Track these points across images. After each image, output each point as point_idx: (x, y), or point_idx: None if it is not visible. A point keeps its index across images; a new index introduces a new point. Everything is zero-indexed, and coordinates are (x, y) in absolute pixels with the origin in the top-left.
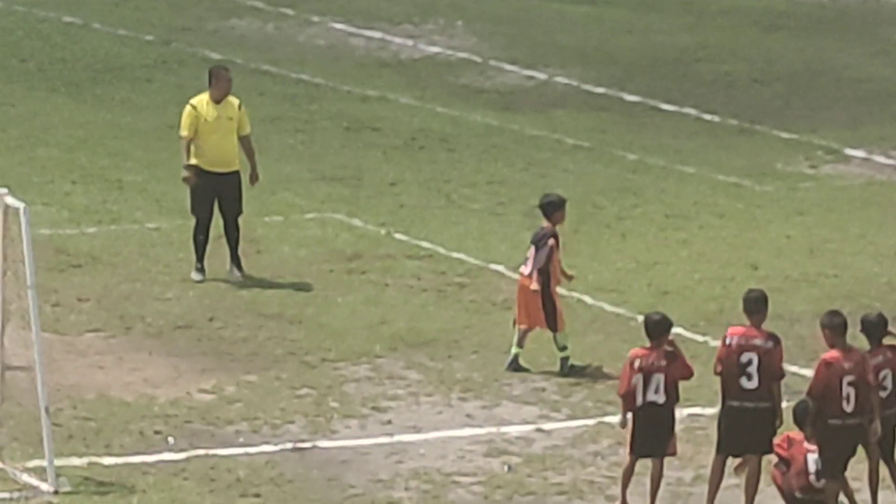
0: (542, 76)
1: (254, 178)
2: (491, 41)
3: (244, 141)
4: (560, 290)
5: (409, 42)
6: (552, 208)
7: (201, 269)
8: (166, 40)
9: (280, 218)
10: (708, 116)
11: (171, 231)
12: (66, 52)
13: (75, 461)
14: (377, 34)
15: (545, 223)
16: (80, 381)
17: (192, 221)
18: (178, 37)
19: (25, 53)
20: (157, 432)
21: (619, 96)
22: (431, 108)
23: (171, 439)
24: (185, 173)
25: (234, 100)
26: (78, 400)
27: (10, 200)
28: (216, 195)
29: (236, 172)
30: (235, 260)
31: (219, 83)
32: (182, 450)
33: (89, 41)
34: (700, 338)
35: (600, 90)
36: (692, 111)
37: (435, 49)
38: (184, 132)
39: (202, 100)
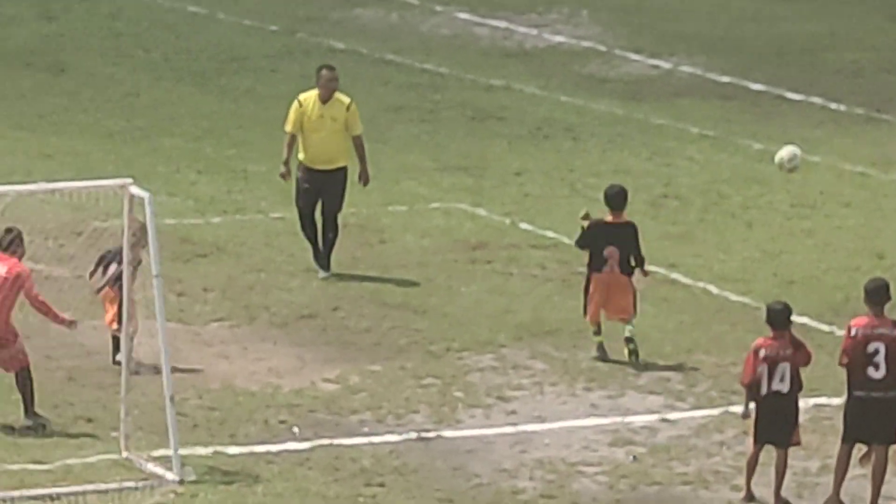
0: (667, 65)
1: (363, 178)
2: (616, 30)
3: (355, 141)
4: (685, 279)
5: (534, 31)
6: (624, 199)
7: (322, 259)
8: (291, 30)
9: (404, 208)
10: (834, 105)
11: (296, 221)
12: (191, 42)
13: (200, 451)
14: (502, 23)
15: (614, 215)
16: (204, 370)
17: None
18: (302, 27)
19: (151, 44)
20: (281, 422)
21: (745, 85)
22: (556, 97)
23: (295, 429)
24: (281, 169)
25: (344, 99)
26: (203, 389)
27: (135, 190)
28: (319, 192)
29: (341, 169)
30: (326, 261)
31: (319, 83)
32: (306, 439)
33: (214, 31)
34: (826, 328)
35: (725, 79)
36: (818, 100)
37: (560, 38)
38: (287, 127)
39: (310, 97)
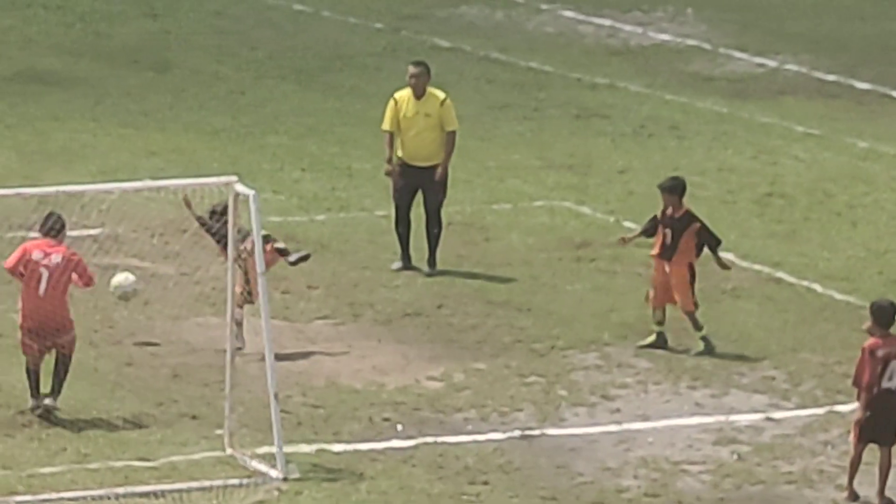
0: (772, 63)
1: (440, 174)
2: (721, 28)
3: (447, 136)
4: (790, 277)
5: (639, 29)
6: (683, 190)
7: (403, 258)
8: (395, 28)
9: (508, 206)
10: None
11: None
12: (296, 40)
13: (304, 448)
14: (606, 21)
15: (672, 206)
16: (309, 367)
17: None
18: (407, 25)
19: (255, 42)
20: (385, 419)
21: (850, 83)
22: (661, 95)
23: (399, 427)
24: (386, 167)
25: (438, 95)
26: (307, 387)
27: (239, 188)
28: (417, 188)
29: (437, 166)
30: (432, 258)
31: (409, 80)
32: (410, 437)
33: (319, 29)
34: None
35: (831, 77)
36: None
37: (664, 36)
38: (384, 126)
39: (405, 94)
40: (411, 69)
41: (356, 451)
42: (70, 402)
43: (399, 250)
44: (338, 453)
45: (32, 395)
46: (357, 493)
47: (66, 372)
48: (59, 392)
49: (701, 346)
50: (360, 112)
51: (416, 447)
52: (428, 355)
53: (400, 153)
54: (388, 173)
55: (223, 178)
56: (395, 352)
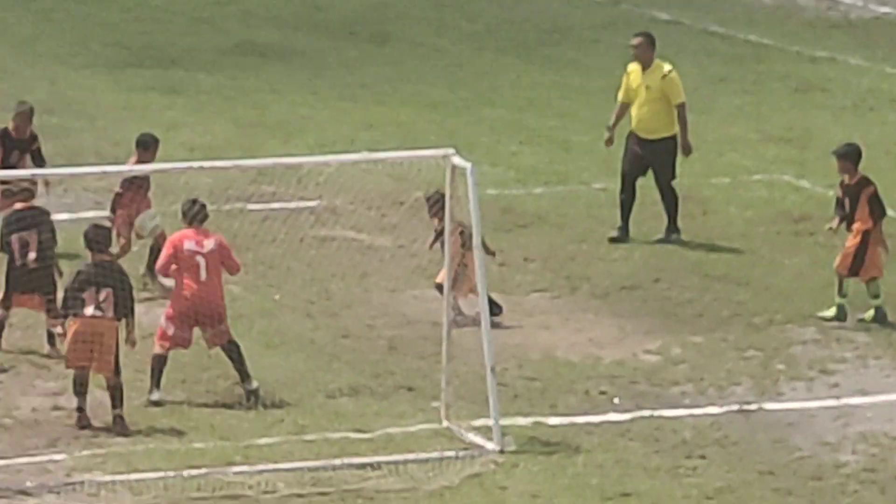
0: None
1: (685, 149)
2: None
3: (677, 110)
4: None
5: (860, 2)
6: (858, 156)
7: (621, 228)
8: (615, 1)
9: (727, 179)
10: None
11: (615, 192)
12: (515, 12)
13: (520, 421)
14: None
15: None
16: (525, 340)
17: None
18: None
19: (474, 14)
20: (602, 393)
21: None
22: (881, 68)
23: (616, 400)
24: (605, 134)
25: (663, 67)
26: (523, 359)
27: (457, 160)
28: (645, 160)
29: (664, 140)
30: (671, 225)
31: (631, 50)
32: (627, 410)
33: (538, 2)
34: None
35: None
36: None
37: (885, 9)
38: (619, 96)
39: (636, 66)
40: (632, 40)
41: (572, 425)
42: (287, 373)
43: (619, 218)
44: (554, 426)
45: (156, 387)
46: (573, 466)
47: (239, 355)
48: (247, 372)
49: (871, 314)
50: (578, 85)
51: (632, 421)
52: (645, 329)
53: (632, 124)
54: (606, 142)
55: (440, 151)
56: (612, 325)
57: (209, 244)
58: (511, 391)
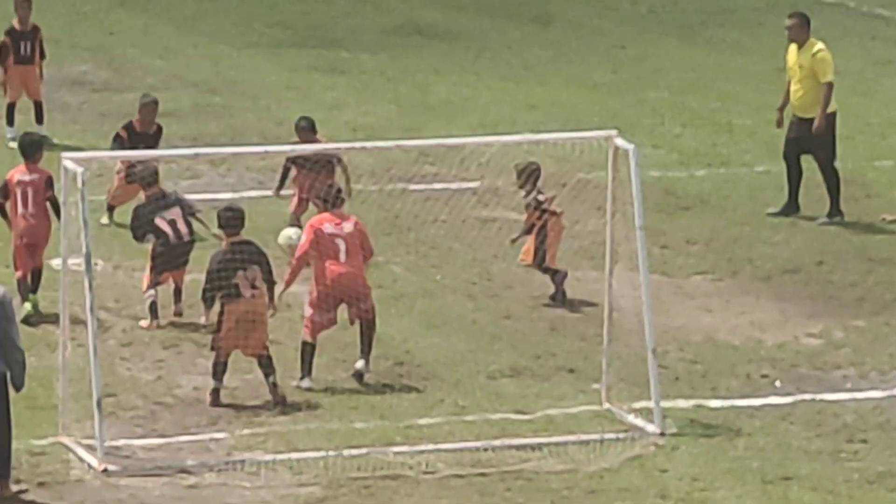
0: None
1: (817, 126)
2: None
3: (823, 88)
4: None
5: None
6: None
7: (787, 204)
8: None
9: (891, 162)
10: None
11: (780, 174)
12: None
13: (681, 403)
14: None
15: None
16: (687, 323)
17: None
18: None
19: None
20: (763, 376)
21: None
22: None
23: (777, 383)
24: (775, 115)
25: (814, 46)
26: (685, 342)
27: (619, 142)
28: (802, 139)
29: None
30: (833, 208)
31: (787, 29)
32: (788, 394)
33: None
34: None
35: None
36: None
37: None
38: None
39: (793, 46)
40: (787, 20)
41: (733, 407)
42: (448, 354)
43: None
44: (715, 409)
45: (307, 375)
46: (734, 449)
47: (372, 336)
48: (368, 354)
49: None
50: (741, 67)
51: (793, 404)
52: (807, 312)
53: (791, 103)
54: (776, 123)
55: (602, 133)
56: (774, 308)
57: (348, 226)
58: (672, 373)
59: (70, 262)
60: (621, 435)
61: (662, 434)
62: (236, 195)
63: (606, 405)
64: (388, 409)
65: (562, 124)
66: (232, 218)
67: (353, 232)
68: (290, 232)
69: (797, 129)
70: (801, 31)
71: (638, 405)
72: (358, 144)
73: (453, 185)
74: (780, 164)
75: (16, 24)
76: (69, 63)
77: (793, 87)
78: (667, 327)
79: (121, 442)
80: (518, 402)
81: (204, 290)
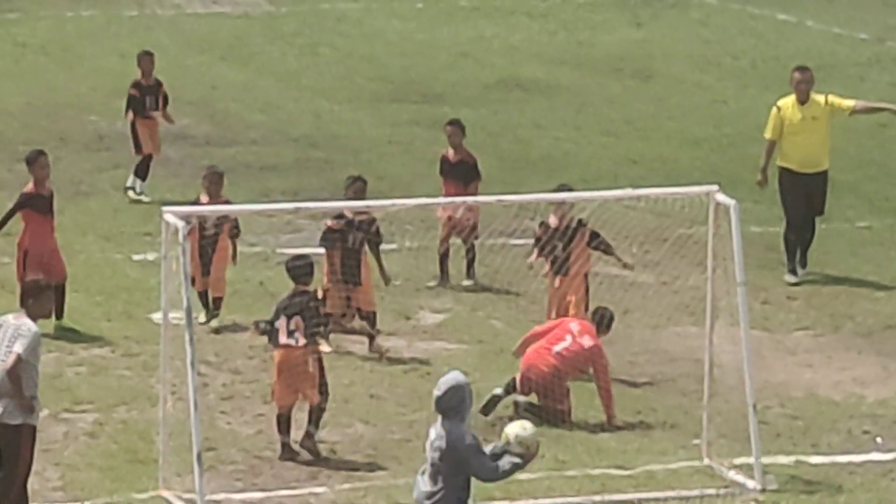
0: None
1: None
2: None
3: (855, 111)
4: None
5: None
6: None
7: (793, 271)
8: (881, 38)
9: None
10: None
11: (883, 230)
12: (780, 49)
13: (782, 459)
14: None
15: None
16: (788, 378)
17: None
18: (892, 35)
19: (739, 51)
20: (865, 432)
21: None
22: None
23: (879, 439)
24: (758, 177)
25: (818, 98)
26: (786, 398)
27: (720, 197)
28: (805, 196)
29: (824, 172)
30: (802, 260)
31: (792, 84)
32: (890, 450)
33: (803, 39)
34: None
35: None
36: None
37: None
38: (766, 134)
39: (788, 101)
40: (798, 75)
41: (834, 464)
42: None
43: (786, 261)
44: (816, 465)
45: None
46: None
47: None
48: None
49: None
50: (842, 122)
51: (895, 461)
52: None
53: (784, 162)
54: (759, 183)
55: (704, 188)
56: (876, 364)
57: (587, 342)
58: (773, 429)
59: (171, 316)
60: (722, 491)
61: (763, 490)
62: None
63: (707, 461)
64: None
65: (663, 179)
66: (295, 267)
67: (590, 347)
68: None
69: (804, 185)
70: (808, 86)
71: (738, 461)
72: (459, 199)
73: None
74: (882, 219)
75: (140, 77)
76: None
77: (798, 145)
78: (768, 383)
79: (221, 496)
80: (618, 458)
81: (265, 332)
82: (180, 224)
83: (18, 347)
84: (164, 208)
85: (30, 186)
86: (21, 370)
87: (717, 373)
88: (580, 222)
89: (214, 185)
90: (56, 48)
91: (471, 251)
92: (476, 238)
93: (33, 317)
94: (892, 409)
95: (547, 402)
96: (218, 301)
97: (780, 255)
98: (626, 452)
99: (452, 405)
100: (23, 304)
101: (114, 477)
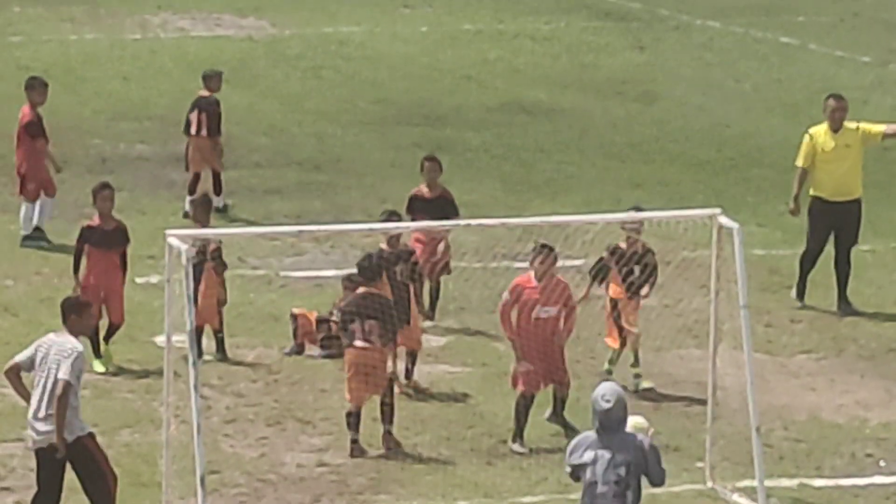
0: None
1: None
2: None
3: (887, 134)
4: None
5: None
6: None
7: (801, 295)
8: (884, 62)
9: None
10: None
11: (886, 253)
12: (782, 72)
13: (785, 482)
14: None
15: None
16: (791, 402)
17: None
18: (895, 58)
19: (741, 74)
20: (868, 455)
21: None
22: None
23: (882, 463)
24: (790, 205)
25: (850, 125)
26: (789, 421)
27: (723, 220)
28: (834, 225)
29: (857, 201)
30: (843, 297)
31: (825, 112)
32: (893, 473)
33: (805, 62)
34: None
35: None
36: None
37: None
38: (798, 162)
39: (820, 129)
40: (833, 103)
41: (838, 487)
42: (551, 431)
43: (796, 283)
44: (819, 488)
45: (520, 438)
46: None
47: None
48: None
49: None
50: None
51: None
52: None
53: (816, 191)
54: (792, 212)
55: (707, 211)
56: (879, 387)
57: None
58: (776, 452)
59: (174, 339)
60: None
61: None
62: (340, 272)
63: (710, 484)
64: (492, 487)
65: (666, 202)
66: (366, 268)
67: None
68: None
69: (834, 215)
70: (844, 114)
71: (742, 484)
72: (462, 222)
73: (557, 263)
74: (886, 243)
75: (203, 92)
76: (174, 140)
77: (831, 172)
78: (771, 406)
79: None
80: None
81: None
82: (184, 247)
83: (64, 373)
84: (168, 231)
85: (93, 219)
86: (70, 393)
87: (720, 396)
88: (649, 248)
89: (198, 211)
90: (59, 71)
91: (438, 289)
92: (448, 273)
93: (75, 333)
94: (895, 433)
95: None
96: (217, 333)
97: (783, 279)
98: None
99: (622, 415)
100: (65, 321)
101: (118, 500)
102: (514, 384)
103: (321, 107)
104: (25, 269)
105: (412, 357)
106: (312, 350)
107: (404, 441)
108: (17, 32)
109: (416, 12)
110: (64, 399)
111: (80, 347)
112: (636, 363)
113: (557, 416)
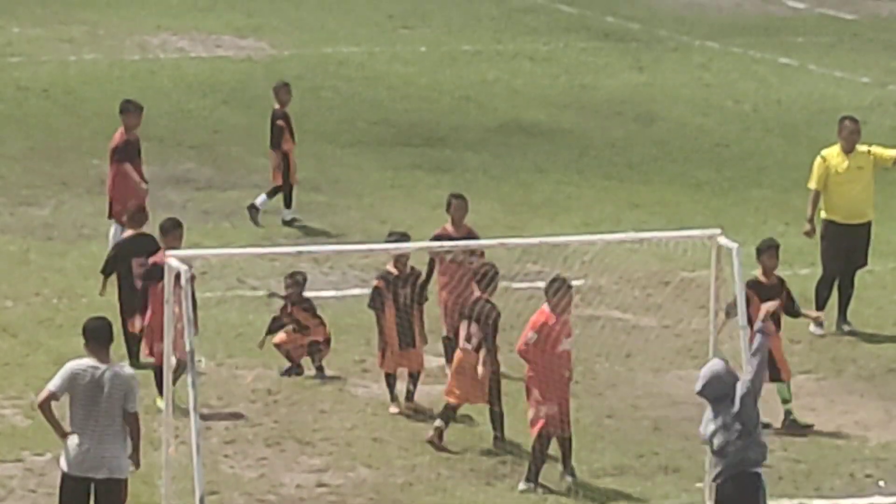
0: None
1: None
2: None
3: None
4: None
5: None
6: None
7: (819, 323)
8: (883, 83)
9: None
10: None
11: (885, 274)
12: (781, 93)
13: (785, 502)
14: None
15: None
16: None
17: None
18: (894, 79)
19: (740, 94)
20: (867, 475)
21: None
22: None
23: (881, 483)
24: (806, 227)
25: (862, 148)
26: (788, 441)
27: (723, 241)
28: (847, 248)
29: (868, 223)
30: (843, 315)
31: (841, 135)
32: (893, 493)
33: (805, 83)
34: None
35: None
36: None
37: None
38: (811, 184)
39: (832, 151)
40: (849, 125)
41: None
42: (549, 452)
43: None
44: None
45: (535, 479)
46: None
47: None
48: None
49: None
50: None
51: None
52: None
53: (829, 214)
54: (807, 233)
55: (706, 231)
56: (878, 407)
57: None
58: (776, 472)
59: (173, 359)
60: None
61: None
62: (339, 293)
63: None
64: None
65: (665, 223)
66: (485, 274)
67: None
68: None
69: (847, 237)
70: (859, 136)
71: None
72: (462, 243)
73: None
74: (884, 263)
75: (277, 106)
76: (173, 161)
77: (843, 194)
78: (770, 426)
79: None
80: (621, 502)
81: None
82: (183, 268)
83: (133, 406)
84: (167, 252)
85: (158, 255)
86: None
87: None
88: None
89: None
90: (58, 92)
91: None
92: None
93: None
94: (894, 453)
95: None
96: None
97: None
98: (628, 497)
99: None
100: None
101: None
102: (534, 425)
103: (320, 127)
104: (25, 289)
105: (414, 379)
106: (310, 370)
107: (404, 461)
108: (16, 53)
109: (415, 33)
110: (137, 430)
111: (134, 374)
112: None
113: (566, 468)
